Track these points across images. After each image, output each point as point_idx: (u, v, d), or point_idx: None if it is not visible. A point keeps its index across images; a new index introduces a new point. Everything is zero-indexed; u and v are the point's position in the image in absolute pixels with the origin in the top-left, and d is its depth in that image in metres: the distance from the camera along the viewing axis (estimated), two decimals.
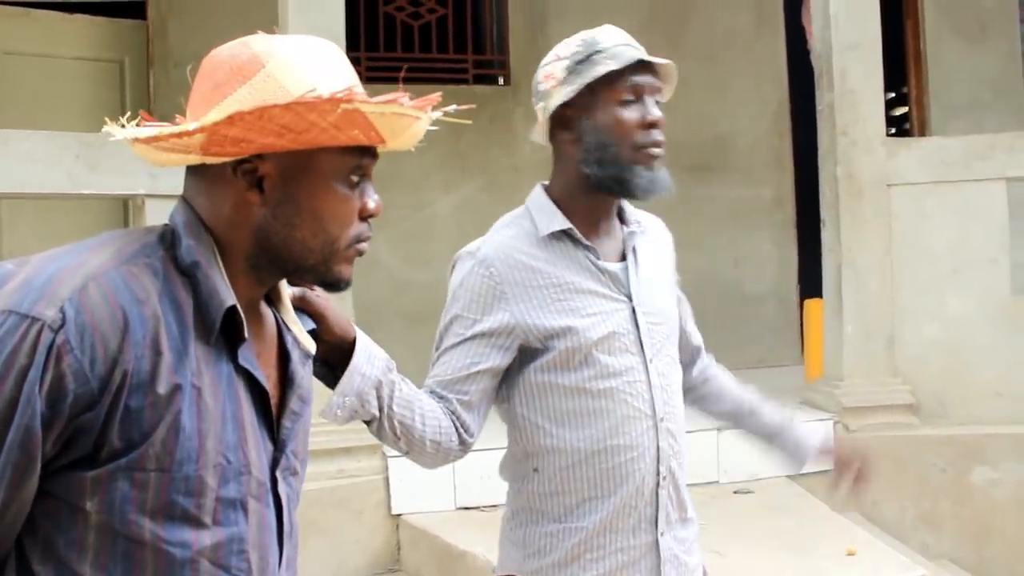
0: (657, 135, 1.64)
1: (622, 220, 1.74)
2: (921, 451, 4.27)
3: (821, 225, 4.56)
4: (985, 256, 4.46)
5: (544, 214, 1.68)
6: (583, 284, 1.66)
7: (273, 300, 1.19)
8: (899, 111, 7.99)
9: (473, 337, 1.63)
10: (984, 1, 6.66)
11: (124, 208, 5.04)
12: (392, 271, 5.87)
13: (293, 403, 1.14)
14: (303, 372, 1.19)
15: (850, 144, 4.36)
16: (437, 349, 1.68)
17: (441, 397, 1.64)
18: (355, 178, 1.08)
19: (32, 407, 0.92)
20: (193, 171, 1.07)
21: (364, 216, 1.10)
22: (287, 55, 1.03)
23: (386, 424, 1.54)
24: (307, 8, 3.71)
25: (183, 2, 5.53)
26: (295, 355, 1.17)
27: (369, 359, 1.50)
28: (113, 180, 3.31)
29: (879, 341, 4.41)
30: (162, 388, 0.96)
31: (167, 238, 1.04)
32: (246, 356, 1.06)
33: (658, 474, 1.66)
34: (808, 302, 5.41)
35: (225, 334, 1.04)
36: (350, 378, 1.48)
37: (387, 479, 3.71)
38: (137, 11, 5.53)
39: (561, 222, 1.67)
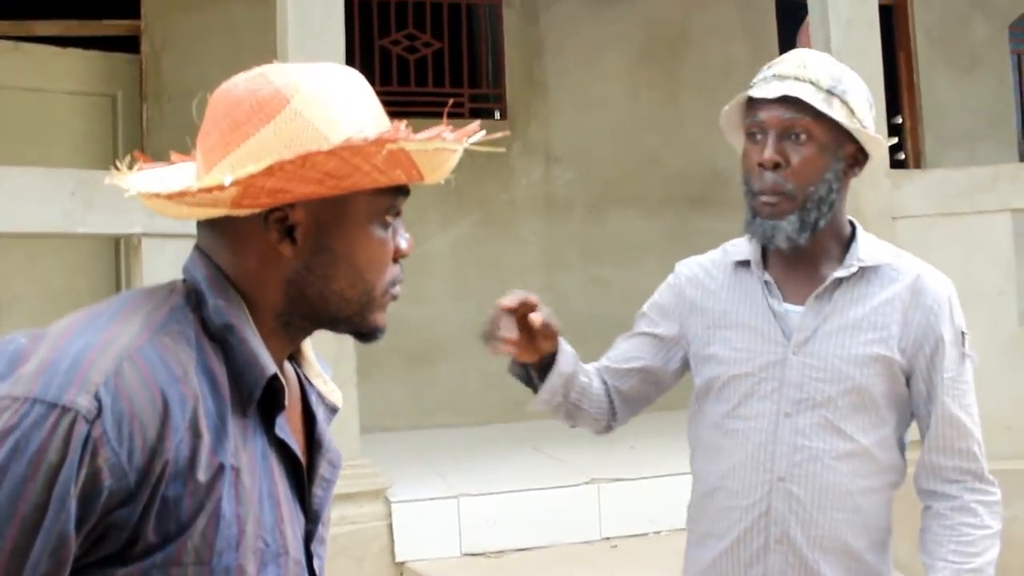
0: (767, 178, 1.53)
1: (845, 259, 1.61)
2: None
3: None
4: (991, 288, 4.40)
5: (742, 242, 1.67)
6: (743, 317, 1.62)
7: (294, 354, 1.09)
8: (891, 141, 7.98)
9: (646, 334, 1.74)
10: (975, 33, 6.69)
11: (116, 246, 4.94)
12: (389, 309, 5.76)
13: (324, 469, 1.05)
14: (330, 433, 1.09)
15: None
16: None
17: (607, 378, 1.76)
18: (390, 219, 0.99)
19: (66, 511, 0.80)
20: (212, 221, 0.96)
21: (397, 258, 1.02)
22: (313, 89, 0.93)
23: (563, 409, 1.70)
24: (306, 41, 3.65)
25: (176, 36, 5.47)
26: (320, 414, 1.08)
27: (566, 358, 1.65)
28: (109, 219, 3.20)
29: None
30: (202, 475, 0.86)
31: (192, 298, 0.94)
32: (282, 427, 0.96)
33: (769, 535, 1.57)
34: None
35: (260, 404, 0.94)
36: (553, 380, 1.63)
37: (390, 525, 3.60)
38: (130, 45, 5.46)
39: (746, 253, 1.64)
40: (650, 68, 6.12)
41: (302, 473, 1.00)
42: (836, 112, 1.52)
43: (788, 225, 1.53)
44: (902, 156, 7.30)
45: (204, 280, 0.95)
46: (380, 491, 3.65)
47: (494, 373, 5.96)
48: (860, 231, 1.64)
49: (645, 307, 1.77)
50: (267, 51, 3.97)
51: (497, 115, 6.20)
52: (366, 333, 1.02)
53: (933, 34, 6.64)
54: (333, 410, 1.11)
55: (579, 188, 6.16)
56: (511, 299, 1.52)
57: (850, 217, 1.65)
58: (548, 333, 1.57)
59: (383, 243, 0.98)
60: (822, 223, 1.55)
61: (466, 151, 1.01)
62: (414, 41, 5.99)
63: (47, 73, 5.19)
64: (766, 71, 1.59)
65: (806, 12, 4.69)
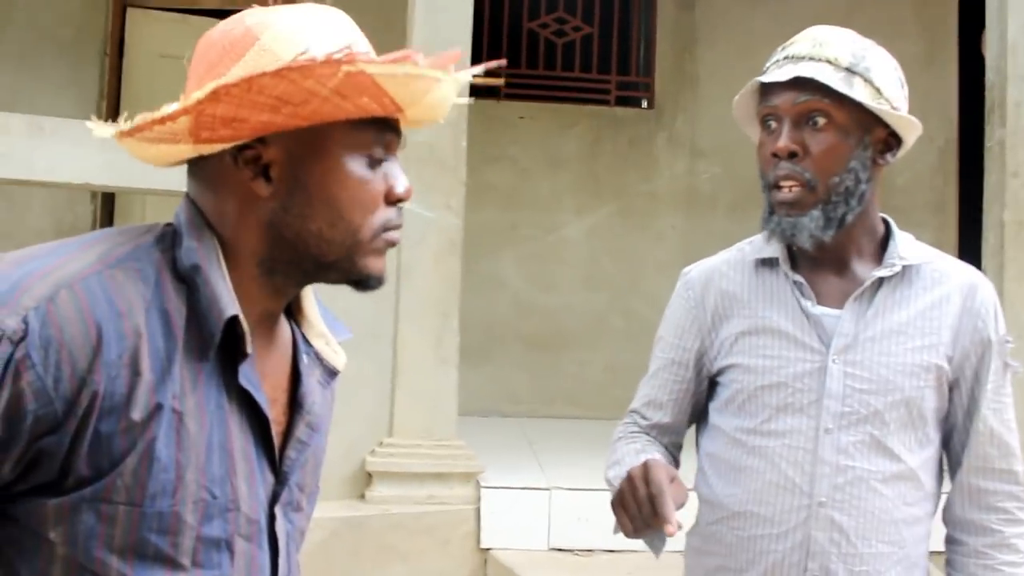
0: (783, 168, 1.37)
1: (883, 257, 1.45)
2: None
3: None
4: None
5: (760, 239, 1.50)
6: (774, 322, 1.44)
7: (294, 313, 1.06)
8: None
9: (670, 364, 1.55)
10: None
11: None
12: (516, 292, 5.72)
13: (300, 430, 1.01)
14: (319, 396, 1.05)
15: (1021, 186, 3.91)
16: (649, 366, 1.61)
17: (664, 440, 1.57)
18: (377, 154, 0.95)
19: None
20: (194, 165, 0.96)
21: (391, 200, 0.96)
22: (284, 24, 0.92)
23: None
24: (433, 14, 3.63)
25: None
26: (311, 377, 1.04)
27: None
28: None
29: None
30: (137, 413, 0.85)
31: (167, 239, 0.94)
32: (247, 375, 0.93)
33: (805, 570, 1.39)
34: None
35: (225, 349, 0.92)
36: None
37: (478, 510, 3.54)
38: None
39: (773, 249, 1.46)
40: None
41: (268, 428, 0.96)
42: (858, 92, 1.35)
43: (810, 221, 1.37)
44: None
45: (185, 223, 0.94)
46: (472, 474, 3.59)
47: (619, 368, 5.85)
48: (895, 228, 1.48)
49: (662, 332, 1.58)
50: (400, 25, 3.99)
51: (644, 104, 6.03)
52: (359, 280, 0.97)
53: None
54: (332, 373, 1.08)
55: (724, 185, 5.90)
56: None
57: (883, 214, 1.48)
58: None
59: (365, 181, 0.94)
60: (849, 218, 1.39)
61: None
62: (563, 25, 5.90)
63: None
64: (779, 53, 1.43)
65: None
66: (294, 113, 0.87)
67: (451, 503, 3.53)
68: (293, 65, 0.84)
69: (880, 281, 1.41)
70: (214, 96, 0.85)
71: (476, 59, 3.91)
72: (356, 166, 0.93)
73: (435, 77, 0.90)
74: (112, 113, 5.37)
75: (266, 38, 0.90)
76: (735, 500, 1.44)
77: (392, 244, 0.97)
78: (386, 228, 0.96)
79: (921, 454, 1.41)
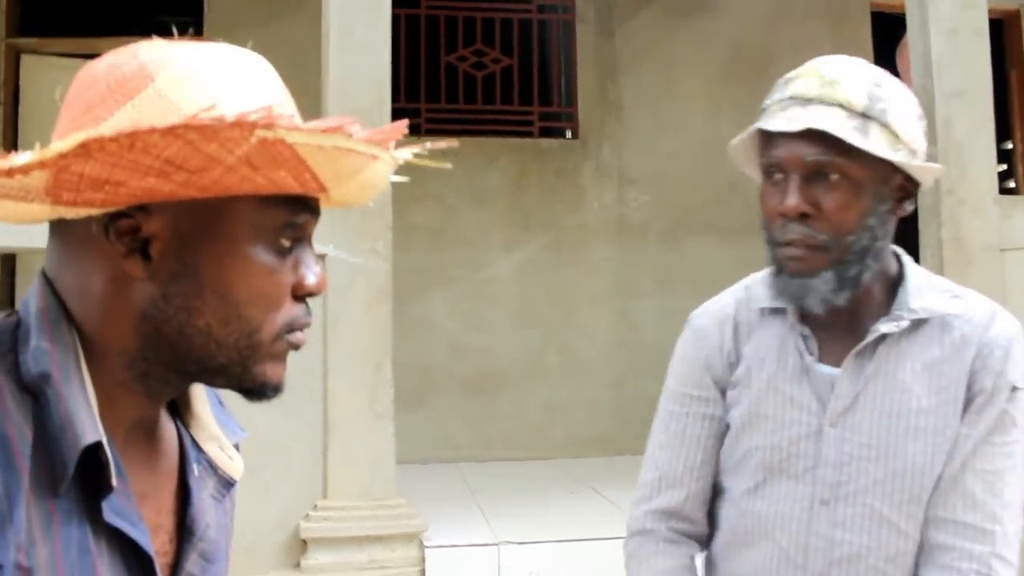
0: (793, 230, 1.20)
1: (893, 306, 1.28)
2: None
3: None
4: None
5: (767, 282, 1.32)
6: (772, 376, 1.29)
7: (180, 410, 0.86)
8: (1000, 168, 7.44)
9: (695, 420, 1.36)
10: None
11: None
12: (449, 334, 5.53)
13: (192, 563, 0.82)
14: (214, 515, 0.85)
15: (957, 204, 3.88)
16: (651, 438, 1.41)
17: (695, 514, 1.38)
18: (286, 242, 0.76)
19: None
20: (55, 232, 0.76)
21: (300, 295, 0.78)
22: (187, 65, 0.72)
23: None
24: (348, 53, 3.45)
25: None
26: (202, 492, 0.84)
27: None
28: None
29: None
30: None
31: (6, 337, 0.74)
32: (118, 508, 0.73)
33: None
34: None
35: (86, 477, 0.72)
36: None
37: (423, 571, 3.32)
38: None
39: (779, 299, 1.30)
40: (732, 87, 5.75)
41: (152, 569, 0.76)
42: (875, 143, 1.18)
43: (822, 284, 1.21)
44: (1012, 184, 6.75)
45: (35, 314, 0.74)
46: (415, 534, 3.37)
47: (557, 406, 5.66)
48: (909, 269, 1.30)
49: (673, 385, 1.40)
50: (315, 62, 3.79)
51: (568, 135, 5.93)
52: (251, 389, 0.78)
53: None
54: (228, 483, 0.88)
55: (654, 213, 5.82)
56: None
57: (896, 249, 1.32)
58: None
59: (271, 272, 0.76)
60: (865, 276, 1.23)
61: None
62: (482, 57, 5.77)
63: None
64: (782, 89, 1.24)
65: (905, 27, 4.27)
66: (188, 182, 0.68)
67: (394, 566, 3.30)
68: (192, 123, 0.65)
69: (884, 335, 1.25)
70: (83, 150, 0.65)
71: (394, 96, 3.74)
72: (261, 252, 0.75)
73: (371, 154, 0.72)
74: None
75: (163, 80, 0.71)
76: (735, 564, 1.32)
77: (296, 347, 0.79)
78: (291, 328, 0.78)
79: None
